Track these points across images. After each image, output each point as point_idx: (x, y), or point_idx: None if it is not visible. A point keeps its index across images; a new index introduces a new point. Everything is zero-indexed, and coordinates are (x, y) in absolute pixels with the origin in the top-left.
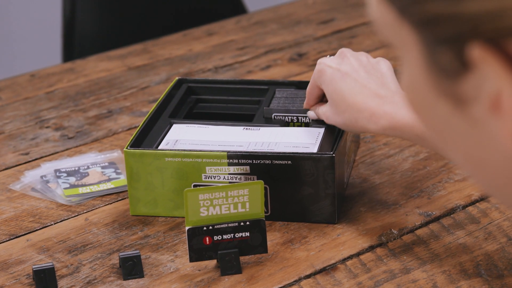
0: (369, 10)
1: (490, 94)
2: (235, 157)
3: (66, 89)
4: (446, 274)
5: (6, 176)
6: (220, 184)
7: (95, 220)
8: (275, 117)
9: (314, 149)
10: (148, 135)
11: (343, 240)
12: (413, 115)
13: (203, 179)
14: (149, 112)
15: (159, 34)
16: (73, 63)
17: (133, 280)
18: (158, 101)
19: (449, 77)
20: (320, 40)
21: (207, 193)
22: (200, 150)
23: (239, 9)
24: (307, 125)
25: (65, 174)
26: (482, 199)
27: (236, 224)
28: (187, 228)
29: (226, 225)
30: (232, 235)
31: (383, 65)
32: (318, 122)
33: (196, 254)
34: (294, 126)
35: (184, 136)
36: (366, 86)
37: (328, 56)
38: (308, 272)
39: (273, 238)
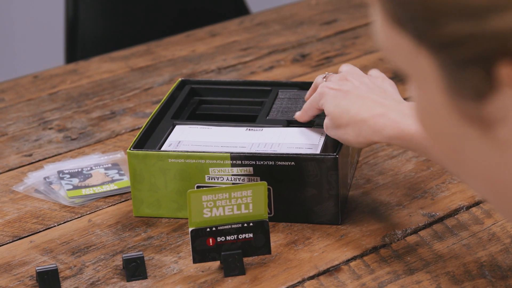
0: (376, 37)
1: None
2: (238, 158)
3: (69, 91)
4: (450, 275)
5: (9, 177)
6: (224, 185)
7: (99, 222)
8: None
9: (317, 150)
10: (151, 136)
11: (346, 241)
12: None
13: (206, 180)
14: (152, 113)
15: (162, 35)
16: (76, 64)
17: (137, 281)
18: (161, 102)
19: (474, 99)
20: (323, 40)
21: (210, 194)
22: (203, 151)
23: (242, 10)
24: (310, 125)
25: (68, 176)
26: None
27: (240, 225)
28: (190, 229)
29: (230, 226)
30: (235, 236)
31: (387, 84)
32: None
33: (200, 255)
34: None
35: (187, 137)
36: (369, 97)
37: (326, 73)
38: (311, 273)
39: (276, 239)
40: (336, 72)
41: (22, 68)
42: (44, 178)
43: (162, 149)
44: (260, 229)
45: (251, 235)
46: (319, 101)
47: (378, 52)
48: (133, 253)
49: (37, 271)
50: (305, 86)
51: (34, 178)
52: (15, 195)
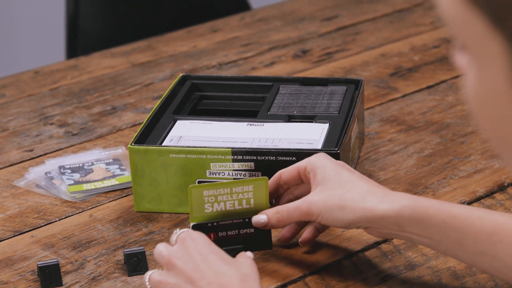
0: (443, 10)
1: None
2: (239, 154)
3: (70, 86)
4: (451, 271)
5: (10, 172)
6: (225, 181)
7: (100, 217)
8: None
9: (318, 145)
10: (152, 131)
11: (348, 236)
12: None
13: (208, 176)
14: (153, 108)
15: (163, 30)
16: (77, 60)
17: (138, 276)
18: (162, 98)
19: None
20: (324, 36)
21: (212, 189)
22: (205, 147)
23: (243, 6)
24: (311, 120)
25: (69, 171)
26: (487, 195)
27: (241, 220)
28: (191, 224)
29: (231, 221)
30: (236, 231)
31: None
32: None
33: None
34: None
35: (188, 133)
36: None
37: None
38: (313, 269)
39: (278, 234)
40: None
41: (23, 63)
42: (45, 173)
43: (163, 144)
44: None
45: (252, 230)
46: (309, 164)
47: (378, 48)
48: (134, 248)
49: (39, 265)
50: (307, 81)
51: (35, 173)
52: (16, 190)
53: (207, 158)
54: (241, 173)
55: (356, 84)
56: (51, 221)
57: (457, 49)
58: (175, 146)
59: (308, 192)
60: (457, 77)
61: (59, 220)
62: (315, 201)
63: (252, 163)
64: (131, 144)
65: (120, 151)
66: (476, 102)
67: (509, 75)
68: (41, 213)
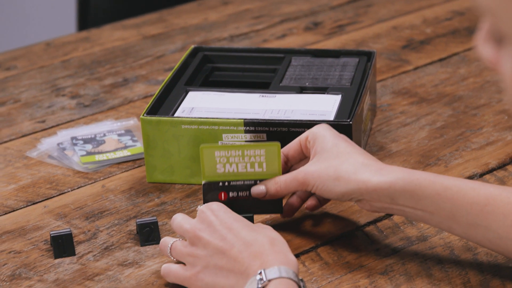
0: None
1: None
2: (251, 125)
3: (82, 58)
4: (463, 242)
5: (22, 143)
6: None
7: (112, 187)
8: None
9: (330, 116)
10: (164, 102)
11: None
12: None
13: None
14: (165, 80)
15: (174, 3)
16: (88, 32)
17: (150, 246)
18: (174, 69)
19: None
20: (335, 9)
21: (223, 151)
22: (217, 118)
23: None
24: (323, 92)
25: (81, 142)
26: (499, 167)
27: (252, 182)
28: (203, 182)
29: (242, 182)
30: (247, 192)
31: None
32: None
33: None
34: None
35: (200, 104)
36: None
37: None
38: (325, 239)
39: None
40: None
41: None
42: (58, 144)
43: (175, 115)
44: None
45: None
46: (311, 135)
47: (390, 20)
48: (146, 218)
49: (52, 235)
50: (319, 53)
51: (48, 144)
52: (28, 160)
53: (219, 129)
54: None
55: (368, 56)
56: (63, 192)
57: (486, 40)
58: (187, 117)
59: None
60: (469, 49)
61: (71, 190)
62: (311, 171)
63: (264, 134)
64: (143, 115)
65: (132, 122)
66: None
67: None
68: (54, 183)
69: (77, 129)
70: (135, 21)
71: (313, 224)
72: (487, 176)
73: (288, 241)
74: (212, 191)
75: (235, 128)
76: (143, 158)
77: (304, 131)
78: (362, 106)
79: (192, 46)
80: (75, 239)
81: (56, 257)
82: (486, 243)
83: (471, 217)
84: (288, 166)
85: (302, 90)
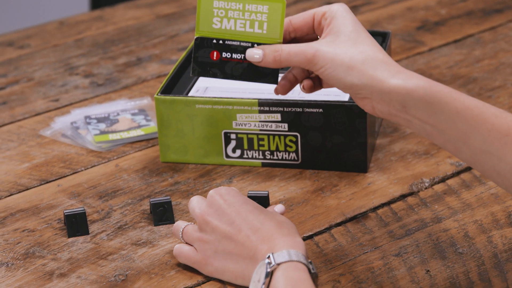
0: None
1: None
2: (266, 105)
3: (95, 37)
4: (478, 224)
5: (36, 122)
6: (252, 131)
7: (126, 167)
8: None
9: (345, 97)
10: (178, 82)
11: (374, 189)
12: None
13: (234, 127)
14: (179, 59)
15: None
16: (101, 11)
17: (164, 225)
18: (188, 49)
19: None
20: None
21: (223, 1)
22: (231, 97)
23: None
24: None
25: (95, 121)
26: None
27: (249, 44)
28: (195, 37)
29: (238, 43)
30: (242, 55)
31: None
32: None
33: (200, 67)
34: None
35: (214, 84)
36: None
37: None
38: (338, 220)
39: (303, 186)
40: None
41: (47, 14)
42: (71, 123)
43: (189, 95)
44: None
45: None
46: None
47: (405, 1)
48: (160, 198)
49: (65, 214)
50: None
51: (61, 123)
52: (42, 139)
53: (234, 109)
54: (268, 125)
55: (383, 37)
56: (77, 171)
57: None
58: (201, 97)
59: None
60: (484, 31)
61: (85, 169)
62: (324, 51)
63: (279, 115)
64: (157, 94)
65: (146, 101)
66: None
67: None
68: (67, 162)
69: (91, 108)
70: (149, 0)
71: (326, 205)
72: None
73: (301, 222)
74: (204, 47)
75: (249, 108)
76: (156, 138)
77: (319, 112)
78: None
79: None
80: (88, 218)
81: (69, 236)
82: (492, 174)
83: (486, 144)
84: (290, 37)
85: None
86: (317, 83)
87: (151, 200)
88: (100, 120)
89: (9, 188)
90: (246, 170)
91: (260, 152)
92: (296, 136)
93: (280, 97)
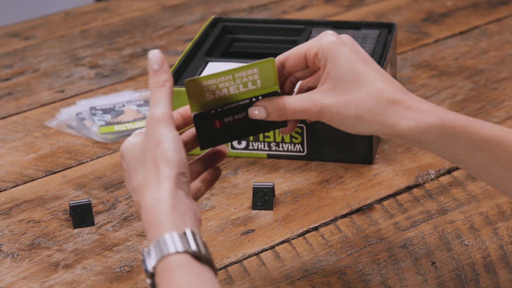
0: None
1: None
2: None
3: (101, 28)
4: (484, 216)
5: (42, 113)
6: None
7: None
8: None
9: None
10: (184, 73)
11: (379, 181)
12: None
13: None
14: (185, 50)
15: None
16: (107, 2)
17: None
18: (193, 40)
19: None
20: None
21: (211, 79)
22: None
23: None
24: None
25: (100, 112)
26: None
27: (247, 101)
28: (192, 114)
29: (236, 103)
30: (244, 113)
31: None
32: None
33: (207, 140)
34: None
35: None
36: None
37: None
38: (344, 212)
39: (309, 177)
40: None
41: (53, 5)
42: (77, 114)
43: None
44: None
45: None
46: (321, 47)
47: None
48: None
49: (71, 205)
50: (339, 25)
51: (67, 113)
52: (47, 130)
53: None
54: None
55: (389, 29)
56: (82, 162)
57: None
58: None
59: (315, 83)
60: (490, 22)
61: (90, 160)
62: (328, 105)
63: None
64: None
65: None
66: None
67: None
68: (73, 153)
69: (96, 99)
70: None
71: (331, 197)
72: None
73: (307, 214)
74: (204, 121)
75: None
76: None
77: None
78: None
79: (212, 17)
80: (94, 209)
81: (75, 227)
82: None
83: (507, 171)
84: (284, 76)
85: None
86: None
87: None
88: (105, 111)
89: (14, 179)
90: (251, 162)
91: (266, 144)
92: (301, 128)
93: None
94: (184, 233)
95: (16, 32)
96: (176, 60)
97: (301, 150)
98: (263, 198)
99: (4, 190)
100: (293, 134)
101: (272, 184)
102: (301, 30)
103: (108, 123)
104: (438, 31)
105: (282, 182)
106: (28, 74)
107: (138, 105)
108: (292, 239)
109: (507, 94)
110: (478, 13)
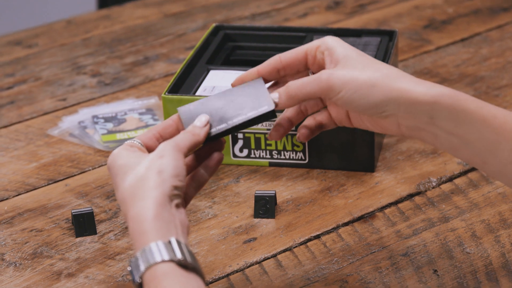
0: None
1: None
2: None
3: (103, 36)
4: (485, 223)
5: (44, 121)
6: (259, 132)
7: None
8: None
9: None
10: (186, 81)
11: (381, 188)
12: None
13: None
14: (187, 58)
15: None
16: (109, 10)
17: None
18: (195, 48)
19: None
20: None
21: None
22: None
23: None
24: None
25: (102, 120)
26: None
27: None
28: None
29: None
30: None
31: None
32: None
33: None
34: None
35: (221, 83)
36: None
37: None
38: (346, 220)
39: (311, 185)
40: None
41: (55, 13)
42: (79, 122)
43: (196, 94)
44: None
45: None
46: (326, 42)
47: (412, 0)
48: None
49: (73, 214)
50: (341, 32)
51: (69, 122)
52: (50, 139)
53: None
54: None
55: (390, 36)
56: (85, 170)
57: None
58: (208, 96)
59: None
60: (491, 29)
61: (92, 169)
62: (338, 74)
63: None
64: (165, 94)
65: (153, 101)
66: None
67: None
68: (75, 162)
69: (98, 107)
70: None
71: (333, 205)
72: None
73: (308, 222)
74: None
75: None
76: None
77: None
78: None
79: (214, 25)
80: (96, 218)
81: (77, 235)
82: None
83: None
84: (279, 75)
85: None
86: (314, 128)
87: None
88: (107, 119)
89: (17, 188)
90: (253, 170)
91: (268, 152)
92: None
93: None
94: (169, 242)
95: (18, 40)
96: (178, 68)
97: (303, 158)
98: (265, 206)
99: (7, 199)
100: (295, 142)
101: (274, 192)
102: (303, 38)
103: (110, 132)
104: (439, 38)
105: (284, 190)
106: (30, 83)
107: (140, 113)
108: (294, 248)
109: (508, 101)
110: (479, 20)
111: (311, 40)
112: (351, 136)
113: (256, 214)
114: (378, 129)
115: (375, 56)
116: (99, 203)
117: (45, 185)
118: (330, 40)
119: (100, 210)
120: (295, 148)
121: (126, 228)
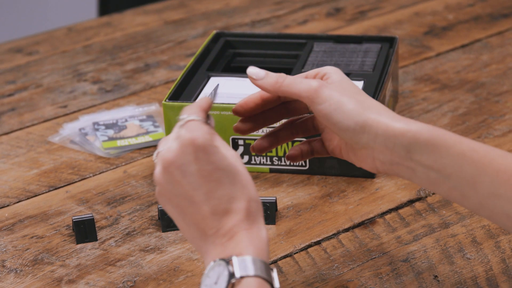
0: None
1: None
2: None
3: (103, 43)
4: (486, 229)
5: (44, 128)
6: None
7: (134, 173)
8: None
9: None
10: (186, 88)
11: (381, 195)
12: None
13: None
14: (187, 65)
15: None
16: (110, 17)
17: (172, 232)
18: (196, 55)
19: None
20: None
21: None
22: None
23: None
24: None
25: (103, 127)
26: None
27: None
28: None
29: None
30: None
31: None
32: None
33: None
34: None
35: (222, 89)
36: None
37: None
38: (346, 226)
39: (311, 192)
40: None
41: (56, 20)
42: (79, 129)
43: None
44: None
45: None
46: (324, 70)
47: (412, 6)
48: None
49: (74, 220)
50: (341, 39)
51: (70, 129)
52: (50, 145)
53: None
54: None
55: (390, 42)
56: (85, 177)
57: None
58: None
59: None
60: (491, 36)
61: (93, 175)
62: (329, 87)
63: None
64: (165, 100)
65: (154, 107)
66: None
67: None
68: (76, 168)
69: (99, 114)
70: (157, 6)
71: (333, 211)
72: None
73: (309, 228)
74: None
75: None
76: None
77: None
78: (384, 92)
79: (214, 32)
80: (97, 225)
81: (78, 242)
82: (502, 218)
83: (494, 186)
84: (280, 101)
85: None
86: (306, 152)
87: (159, 206)
88: (108, 126)
89: (17, 195)
90: (254, 176)
91: (268, 158)
92: None
93: None
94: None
95: (19, 47)
96: (178, 75)
97: (304, 164)
98: (266, 213)
99: (7, 205)
100: None
101: (274, 198)
102: (303, 45)
103: (110, 138)
104: (439, 45)
105: (285, 196)
106: (31, 90)
107: (141, 120)
108: (294, 254)
109: (509, 107)
110: (480, 26)
111: (312, 47)
112: None
113: None
114: (357, 162)
115: (376, 63)
116: (100, 210)
117: (45, 192)
118: (329, 68)
119: (100, 216)
120: None
121: (127, 234)
